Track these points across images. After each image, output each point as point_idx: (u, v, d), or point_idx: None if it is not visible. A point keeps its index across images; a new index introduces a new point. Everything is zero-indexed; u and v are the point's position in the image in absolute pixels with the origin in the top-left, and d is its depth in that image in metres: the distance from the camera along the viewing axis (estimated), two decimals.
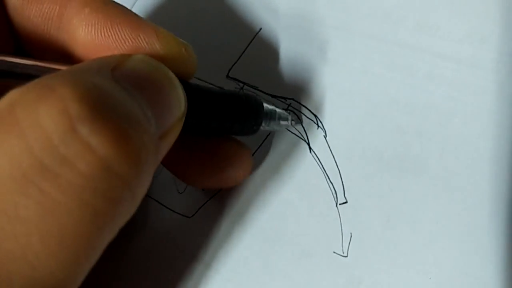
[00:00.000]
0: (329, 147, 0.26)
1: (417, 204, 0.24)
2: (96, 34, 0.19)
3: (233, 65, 0.30)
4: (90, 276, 0.29)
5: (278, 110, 0.26)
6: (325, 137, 0.27)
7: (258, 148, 0.28)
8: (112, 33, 0.19)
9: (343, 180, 0.26)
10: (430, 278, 0.23)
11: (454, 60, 0.26)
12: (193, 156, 0.24)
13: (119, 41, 0.19)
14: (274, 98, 0.28)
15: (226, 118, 0.23)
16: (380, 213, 0.25)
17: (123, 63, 0.17)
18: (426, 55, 0.27)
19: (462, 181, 0.24)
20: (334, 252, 0.25)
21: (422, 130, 0.25)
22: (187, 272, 0.27)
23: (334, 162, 0.26)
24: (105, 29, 0.19)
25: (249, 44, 0.30)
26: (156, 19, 0.33)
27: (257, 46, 0.30)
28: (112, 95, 0.15)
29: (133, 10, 0.34)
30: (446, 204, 0.24)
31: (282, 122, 0.26)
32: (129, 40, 0.19)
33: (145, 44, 0.19)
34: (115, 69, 0.17)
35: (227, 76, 0.30)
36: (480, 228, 0.23)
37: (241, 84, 0.29)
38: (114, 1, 0.20)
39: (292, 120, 0.27)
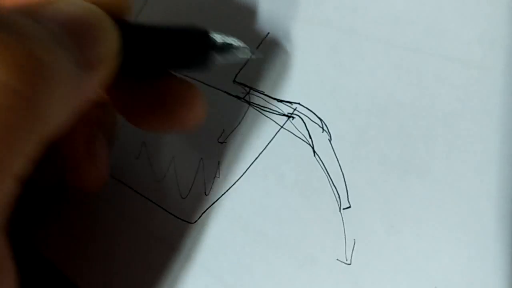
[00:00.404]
0: (333, 151, 0.26)
1: (422, 209, 0.24)
2: None
3: (240, 69, 0.30)
4: (89, 280, 0.29)
5: (232, 42, 0.25)
6: (329, 140, 0.26)
7: (263, 151, 0.27)
8: None
9: (347, 185, 0.25)
10: (435, 287, 0.22)
11: (463, 63, 0.25)
12: (141, 98, 0.24)
13: None
14: (280, 102, 0.28)
15: (168, 53, 0.23)
16: (385, 218, 0.24)
17: (48, 4, 0.17)
18: (434, 58, 0.26)
19: (469, 185, 0.23)
20: (337, 259, 0.24)
21: (429, 134, 0.25)
22: (190, 278, 0.26)
23: (338, 166, 0.25)
24: None
25: (256, 48, 0.30)
26: (162, 21, 0.33)
27: (265, 51, 0.30)
28: (15, 17, 0.16)
29: (142, 15, 0.34)
30: (452, 209, 0.23)
31: (238, 55, 0.25)
32: None
33: None
34: (38, 6, 0.17)
35: (234, 81, 0.30)
36: (488, 234, 0.22)
37: (247, 89, 0.29)
38: None
39: (251, 52, 0.26)
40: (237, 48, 0.25)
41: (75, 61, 0.17)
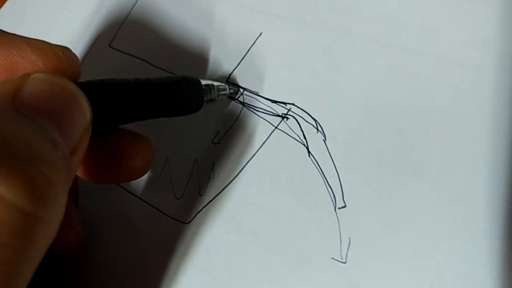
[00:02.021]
0: (328, 151, 0.26)
1: (417, 209, 0.24)
2: None
3: (233, 70, 0.30)
4: (84, 281, 0.28)
5: (216, 84, 0.27)
6: (324, 141, 0.26)
7: (256, 152, 0.27)
8: None
9: (342, 184, 0.25)
10: (431, 285, 0.22)
11: (456, 64, 0.25)
12: (91, 152, 0.23)
13: None
14: (275, 103, 0.28)
15: (137, 108, 0.23)
16: (380, 218, 0.24)
17: (22, 88, 0.17)
18: (428, 59, 0.26)
19: (463, 185, 0.23)
20: (332, 258, 0.24)
21: (423, 134, 0.25)
22: (185, 278, 0.26)
23: (333, 166, 0.25)
24: None
25: (249, 48, 0.30)
26: (155, 25, 0.33)
27: (258, 51, 0.30)
28: (14, 136, 0.15)
29: (131, 17, 0.34)
30: (447, 209, 0.23)
31: (222, 93, 0.27)
32: (3, 59, 0.19)
33: (21, 58, 0.19)
34: (15, 97, 0.17)
35: (227, 81, 0.29)
36: (482, 233, 0.22)
37: (242, 89, 0.29)
38: None
39: (230, 89, 0.28)
40: (222, 89, 0.27)
41: (64, 155, 0.17)
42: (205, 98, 0.26)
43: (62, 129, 0.17)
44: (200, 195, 0.27)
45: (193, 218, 0.27)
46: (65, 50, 0.20)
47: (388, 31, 0.27)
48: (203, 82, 0.26)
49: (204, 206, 0.27)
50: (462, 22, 0.26)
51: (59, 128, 0.17)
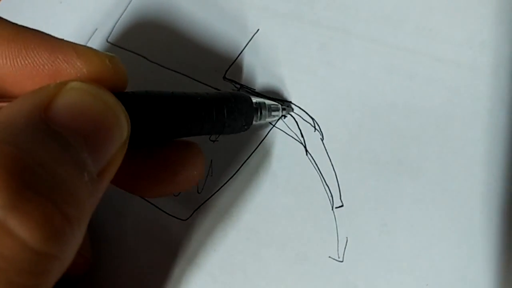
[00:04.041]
0: (325, 150, 0.25)
1: (414, 209, 0.23)
2: (12, 64, 0.17)
3: (229, 66, 0.29)
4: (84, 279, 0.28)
5: (269, 104, 0.25)
6: (322, 139, 0.25)
7: (254, 150, 0.26)
8: (29, 61, 0.17)
9: (339, 183, 0.24)
10: (427, 284, 0.22)
11: (453, 64, 0.25)
12: (140, 166, 0.22)
13: (38, 67, 0.17)
14: (272, 100, 0.27)
15: (179, 124, 0.21)
16: (377, 217, 0.23)
17: (56, 98, 0.16)
18: (425, 59, 0.25)
19: (460, 185, 0.23)
20: (329, 257, 0.24)
21: (420, 134, 0.24)
22: (182, 275, 0.26)
23: (330, 165, 0.25)
24: (20, 58, 0.17)
25: (246, 45, 0.29)
26: (152, 20, 0.32)
27: (255, 48, 0.29)
28: (38, 158, 0.14)
29: (128, 11, 0.33)
30: (443, 209, 0.23)
31: (274, 113, 0.25)
32: (48, 64, 0.17)
33: (66, 64, 0.17)
34: (48, 109, 0.15)
35: (224, 77, 0.29)
36: (478, 233, 0.22)
37: (238, 86, 0.28)
38: (27, 27, 0.18)
39: (282, 109, 0.26)
40: (274, 109, 0.25)
41: (91, 178, 0.15)
42: (255, 118, 0.24)
43: (93, 148, 0.15)
44: (198, 193, 0.27)
45: (190, 216, 0.26)
46: (112, 58, 0.19)
47: (386, 30, 0.26)
48: (254, 99, 0.24)
49: (202, 204, 0.26)
50: (459, 22, 0.25)
51: (89, 147, 0.15)
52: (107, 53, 0.18)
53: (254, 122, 0.24)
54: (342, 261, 0.23)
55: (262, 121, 0.25)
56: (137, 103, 0.19)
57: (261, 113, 0.24)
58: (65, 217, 0.14)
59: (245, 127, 0.23)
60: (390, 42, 0.26)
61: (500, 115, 0.23)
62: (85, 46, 0.18)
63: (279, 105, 0.26)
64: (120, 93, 0.18)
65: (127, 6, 0.34)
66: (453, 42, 0.25)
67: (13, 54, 0.17)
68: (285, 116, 0.27)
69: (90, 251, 0.25)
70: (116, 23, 0.34)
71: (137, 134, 0.18)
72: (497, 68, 0.24)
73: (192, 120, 0.21)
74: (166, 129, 0.20)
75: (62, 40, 0.18)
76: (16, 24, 0.18)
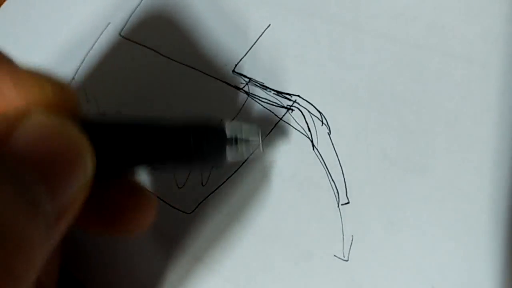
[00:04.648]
0: (332, 145, 0.24)
1: (420, 207, 0.22)
2: None
3: (239, 60, 0.28)
4: (87, 270, 0.27)
5: (244, 136, 0.21)
6: (329, 134, 0.25)
7: (260, 144, 0.26)
8: None
9: (345, 180, 0.23)
10: (433, 286, 0.21)
11: (465, 60, 0.24)
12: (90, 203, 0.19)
13: None
14: (280, 94, 0.26)
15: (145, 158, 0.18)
16: (383, 215, 0.22)
17: (17, 129, 0.14)
18: (436, 55, 0.24)
19: (468, 184, 0.22)
20: (334, 255, 0.23)
21: (429, 130, 0.23)
22: (185, 269, 0.25)
23: (337, 160, 0.24)
24: None
25: (257, 39, 0.28)
26: (164, 14, 0.32)
27: (265, 42, 0.28)
28: None
29: (141, 5, 0.33)
30: (450, 208, 0.22)
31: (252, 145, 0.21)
32: None
33: (7, 91, 0.15)
34: (4, 143, 0.13)
35: (233, 71, 0.28)
36: (485, 234, 0.21)
37: (247, 79, 0.27)
38: None
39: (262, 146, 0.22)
40: (248, 142, 0.21)
41: (47, 222, 0.13)
42: (227, 155, 0.20)
43: (52, 188, 0.14)
44: (203, 186, 0.26)
45: (195, 209, 0.26)
46: (58, 90, 0.16)
47: (396, 26, 0.25)
48: (229, 129, 0.20)
49: (207, 197, 0.26)
50: (471, 19, 0.24)
51: (48, 187, 0.13)
52: (55, 80, 0.16)
53: (229, 159, 0.20)
54: (347, 260, 0.22)
55: (238, 158, 0.21)
56: (102, 133, 0.17)
57: (236, 147, 0.21)
58: (9, 275, 0.12)
59: (217, 165, 0.21)
60: (401, 38, 0.25)
61: (510, 111, 0.22)
62: (29, 72, 0.16)
63: (260, 139, 0.22)
64: (85, 122, 0.16)
65: (140, 1, 0.33)
66: (465, 39, 0.24)
67: None
68: (292, 110, 0.26)
69: (55, 275, 0.23)
70: (129, 17, 0.33)
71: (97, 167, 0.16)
72: (508, 65, 0.23)
73: (154, 151, 0.18)
74: (125, 160, 0.18)
75: (2, 62, 0.16)
76: None
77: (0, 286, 0.11)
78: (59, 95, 0.16)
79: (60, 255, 0.23)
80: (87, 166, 0.15)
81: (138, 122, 0.18)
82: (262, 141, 0.22)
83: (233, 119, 0.27)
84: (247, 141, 0.21)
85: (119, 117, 0.18)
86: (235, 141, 0.20)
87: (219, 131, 0.20)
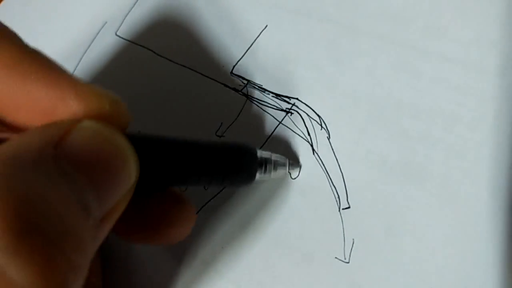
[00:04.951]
0: (332, 149, 0.24)
1: (420, 212, 0.23)
2: (9, 93, 0.16)
3: (237, 62, 0.28)
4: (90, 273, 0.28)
5: (275, 159, 0.23)
6: (328, 138, 0.25)
7: (261, 147, 0.26)
8: (24, 93, 0.16)
9: (346, 184, 0.24)
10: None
11: (461, 64, 0.24)
12: (130, 213, 0.20)
13: (33, 101, 0.16)
14: (279, 97, 0.26)
15: (190, 174, 0.19)
16: (383, 220, 0.23)
17: (68, 136, 0.15)
18: (433, 58, 0.24)
19: (466, 188, 0.22)
20: (335, 258, 0.23)
21: (427, 135, 0.23)
22: (188, 271, 0.25)
23: (337, 165, 0.24)
24: (17, 89, 0.16)
25: (254, 41, 0.28)
26: (161, 14, 0.31)
27: (263, 44, 0.28)
28: (45, 199, 0.13)
29: (138, 5, 0.32)
30: (449, 213, 0.22)
31: (280, 170, 0.23)
32: (44, 100, 0.16)
33: (61, 103, 0.16)
34: (59, 146, 0.14)
35: (231, 73, 0.28)
36: (484, 238, 0.22)
37: (245, 81, 0.27)
38: (35, 51, 0.17)
39: (290, 165, 0.24)
40: (280, 164, 0.24)
41: (95, 223, 0.14)
42: (258, 173, 0.22)
43: (100, 191, 0.15)
44: (205, 189, 0.26)
45: (197, 212, 0.26)
46: (115, 103, 0.17)
47: (394, 28, 0.25)
48: (260, 153, 0.22)
49: (209, 201, 0.26)
50: (468, 22, 0.24)
51: (96, 190, 0.14)
52: (111, 95, 0.17)
53: (258, 177, 0.22)
54: (348, 262, 0.23)
55: (266, 176, 0.23)
56: (146, 148, 0.18)
57: (265, 168, 0.23)
58: (70, 265, 0.13)
59: (247, 182, 0.22)
60: (398, 40, 0.25)
61: (507, 116, 0.23)
62: (88, 85, 0.17)
63: (287, 160, 0.24)
64: (131, 135, 0.17)
65: (137, 0, 0.33)
66: (461, 42, 0.24)
67: (12, 83, 0.16)
68: (291, 113, 0.26)
69: (100, 279, 0.24)
70: (125, 17, 0.33)
71: (140, 180, 0.17)
72: (504, 69, 0.23)
73: (194, 169, 0.19)
74: (168, 177, 0.19)
75: (65, 74, 0.17)
76: (23, 46, 0.17)
77: (62, 278, 0.12)
78: (114, 109, 0.17)
79: (99, 256, 0.25)
80: (131, 174, 0.16)
81: (179, 140, 0.19)
82: (289, 170, 0.24)
83: (232, 122, 0.27)
84: (275, 166, 0.23)
85: (162, 136, 0.19)
86: (265, 165, 0.23)
87: (252, 154, 0.22)
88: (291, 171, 0.25)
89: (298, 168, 0.25)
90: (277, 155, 0.24)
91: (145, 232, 0.20)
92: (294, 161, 0.25)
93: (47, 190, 0.13)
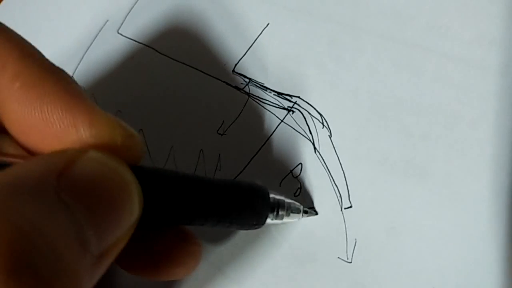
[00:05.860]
0: (334, 148, 0.24)
1: (422, 211, 0.22)
2: (24, 113, 0.16)
3: (239, 60, 0.28)
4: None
5: (288, 203, 0.22)
6: (330, 137, 0.24)
7: (262, 146, 0.25)
8: (40, 115, 0.16)
9: (348, 183, 0.23)
10: (433, 287, 0.21)
11: (463, 62, 0.23)
12: (135, 248, 0.19)
13: (47, 124, 0.16)
14: (280, 95, 0.26)
15: (199, 214, 0.18)
16: (385, 219, 0.23)
17: (72, 166, 0.14)
18: (434, 56, 0.24)
19: (468, 186, 0.22)
20: (338, 258, 0.23)
21: (428, 133, 0.23)
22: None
23: (339, 163, 0.24)
24: (33, 109, 0.16)
25: (256, 39, 0.28)
26: (163, 13, 0.31)
27: (264, 42, 0.28)
28: (42, 231, 0.12)
29: (140, 3, 0.32)
30: (451, 211, 0.22)
31: (293, 216, 0.22)
32: (57, 124, 0.16)
33: (74, 129, 0.16)
34: (62, 176, 0.14)
35: (233, 71, 0.27)
36: (486, 237, 0.21)
37: (247, 80, 0.27)
38: (58, 71, 0.17)
39: (304, 212, 0.23)
40: (294, 211, 0.22)
41: (92, 259, 0.14)
42: (269, 217, 0.21)
43: (100, 226, 0.14)
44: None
45: None
46: (129, 137, 0.17)
47: (395, 26, 0.25)
48: (273, 196, 0.21)
49: None
50: (470, 20, 0.24)
51: (96, 225, 0.14)
52: (127, 127, 0.17)
53: (268, 221, 0.21)
54: (350, 262, 0.23)
55: (277, 221, 0.22)
56: (153, 183, 0.17)
57: (277, 213, 0.21)
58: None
59: (256, 226, 0.21)
60: (399, 38, 0.25)
61: (509, 114, 0.22)
62: (104, 114, 0.16)
63: (301, 207, 0.23)
64: (139, 169, 0.16)
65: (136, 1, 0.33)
66: (463, 40, 0.24)
67: (27, 103, 0.16)
68: (293, 111, 0.25)
69: None
70: (127, 15, 0.33)
71: (144, 216, 0.16)
72: (506, 67, 0.23)
73: (201, 210, 0.18)
74: (173, 216, 0.18)
75: (82, 99, 0.16)
76: (45, 65, 0.16)
77: None
78: (127, 142, 0.17)
79: None
80: (134, 210, 0.15)
81: (188, 177, 0.18)
82: (302, 216, 0.23)
83: (234, 121, 0.26)
84: (288, 212, 0.22)
85: (171, 171, 0.18)
86: (277, 210, 0.21)
87: (264, 197, 0.21)
88: (304, 217, 0.23)
89: (314, 213, 0.24)
90: (291, 200, 0.22)
91: (147, 268, 0.19)
92: (310, 209, 0.24)
93: (45, 223, 0.12)
